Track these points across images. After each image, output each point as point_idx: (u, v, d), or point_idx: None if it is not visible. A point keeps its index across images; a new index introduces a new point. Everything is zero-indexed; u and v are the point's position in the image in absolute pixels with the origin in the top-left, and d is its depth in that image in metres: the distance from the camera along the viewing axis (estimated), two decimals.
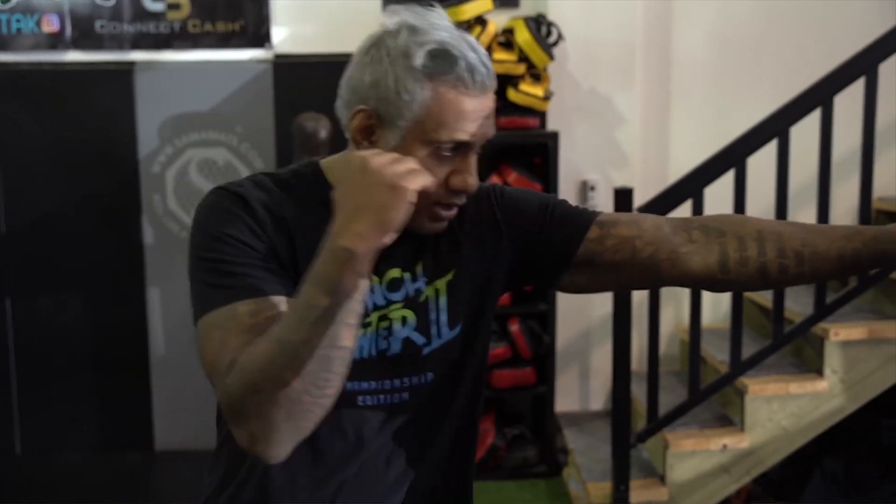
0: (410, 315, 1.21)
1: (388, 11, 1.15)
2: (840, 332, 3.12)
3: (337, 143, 3.58)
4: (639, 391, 3.36)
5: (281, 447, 1.05)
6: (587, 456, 3.53)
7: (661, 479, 3.22)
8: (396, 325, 1.20)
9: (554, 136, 3.66)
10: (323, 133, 3.54)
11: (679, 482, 3.19)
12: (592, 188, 3.85)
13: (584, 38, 3.80)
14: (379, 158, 1.02)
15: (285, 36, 3.91)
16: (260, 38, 3.83)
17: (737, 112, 3.67)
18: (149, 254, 3.94)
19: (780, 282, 1.23)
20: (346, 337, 1.03)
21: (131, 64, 3.81)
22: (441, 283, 1.23)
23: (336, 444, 1.19)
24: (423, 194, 1.03)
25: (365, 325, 1.18)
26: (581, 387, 4.07)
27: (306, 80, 3.76)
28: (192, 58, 3.85)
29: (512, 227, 1.28)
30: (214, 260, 1.11)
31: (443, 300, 1.23)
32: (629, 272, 1.25)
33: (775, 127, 3.03)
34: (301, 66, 3.81)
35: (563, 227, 1.27)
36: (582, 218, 1.28)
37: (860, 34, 3.05)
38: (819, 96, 3.02)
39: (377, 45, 1.12)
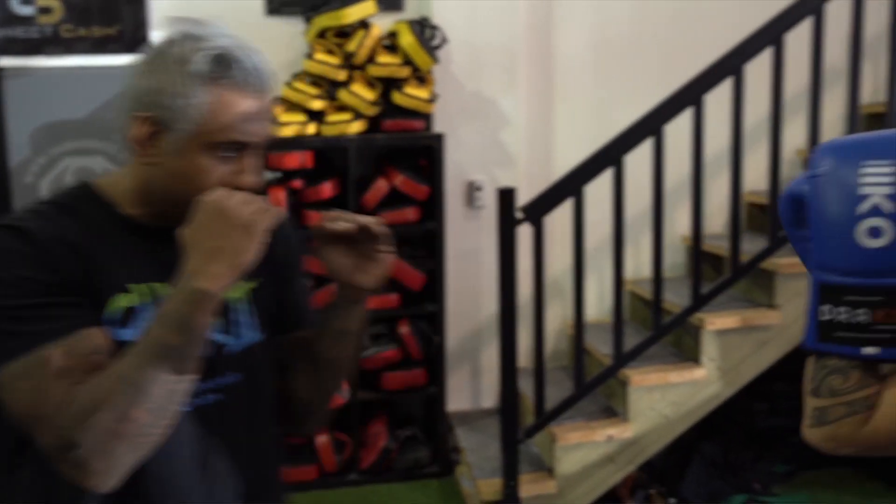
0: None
1: (171, 22, 1.17)
2: (715, 322, 3.24)
3: None
4: (527, 387, 3.40)
5: (118, 476, 1.05)
6: (478, 454, 3.55)
7: (550, 472, 3.28)
8: None
9: (439, 138, 3.67)
10: None
11: (567, 474, 3.26)
12: (479, 188, 3.88)
13: (467, 40, 3.81)
14: (230, 199, 1.08)
15: None
16: (138, 42, 3.68)
17: (617, 111, 3.73)
18: None
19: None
20: (192, 369, 1.07)
21: None
22: (243, 288, 1.26)
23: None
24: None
25: None
26: (472, 385, 4.08)
27: None
28: (66, 63, 3.68)
29: (287, 264, 1.36)
30: (6, 307, 1.07)
31: (244, 305, 1.26)
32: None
33: (650, 126, 3.12)
34: None
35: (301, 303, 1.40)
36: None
37: (729, 35, 3.17)
38: (690, 96, 3.13)
39: (159, 53, 1.14)
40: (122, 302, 1.14)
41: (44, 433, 1.04)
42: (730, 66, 3.12)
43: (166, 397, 1.05)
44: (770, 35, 3.11)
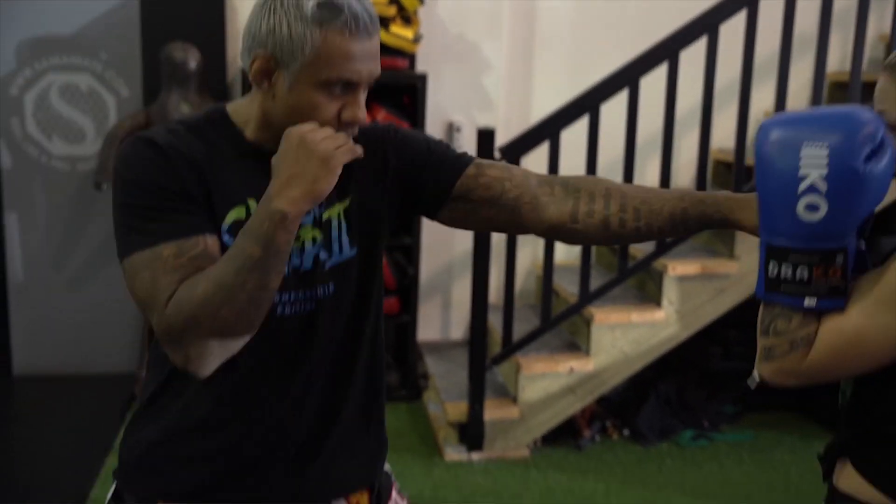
0: (318, 234, 1.32)
1: None
2: (677, 268, 3.36)
3: (206, 74, 3.52)
4: (496, 322, 3.51)
5: (211, 366, 1.21)
6: (446, 380, 3.67)
7: (514, 399, 3.41)
8: (308, 245, 1.31)
9: (423, 78, 3.71)
10: (192, 63, 3.47)
11: (529, 402, 3.38)
12: (458, 129, 3.93)
13: None
14: (314, 133, 1.17)
15: None
16: None
17: (594, 64, 3.79)
18: (6, 178, 3.76)
19: (619, 235, 1.37)
20: (274, 281, 1.18)
21: None
22: (340, 207, 1.34)
23: (259, 348, 1.28)
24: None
25: None
26: (442, 317, 4.18)
27: (173, 10, 3.63)
28: None
29: (400, 161, 1.40)
30: (136, 206, 1.20)
31: (343, 223, 1.35)
32: (496, 210, 1.39)
33: (627, 77, 3.21)
34: None
35: (444, 164, 1.41)
36: (461, 158, 1.42)
37: None
38: (667, 51, 3.21)
39: None
40: (236, 215, 1.25)
41: (153, 319, 1.18)
42: (706, 24, 3.20)
43: (251, 302, 1.16)
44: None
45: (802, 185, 1.13)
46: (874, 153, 1.12)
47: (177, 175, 1.22)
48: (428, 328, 4.14)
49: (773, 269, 1.19)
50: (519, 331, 3.39)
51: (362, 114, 1.25)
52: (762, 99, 3.70)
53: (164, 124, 1.31)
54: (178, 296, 1.16)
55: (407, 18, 3.69)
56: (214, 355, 1.20)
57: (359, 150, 1.22)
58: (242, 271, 1.14)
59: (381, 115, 3.66)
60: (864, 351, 1.17)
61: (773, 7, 3.23)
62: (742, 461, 3.44)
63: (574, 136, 3.27)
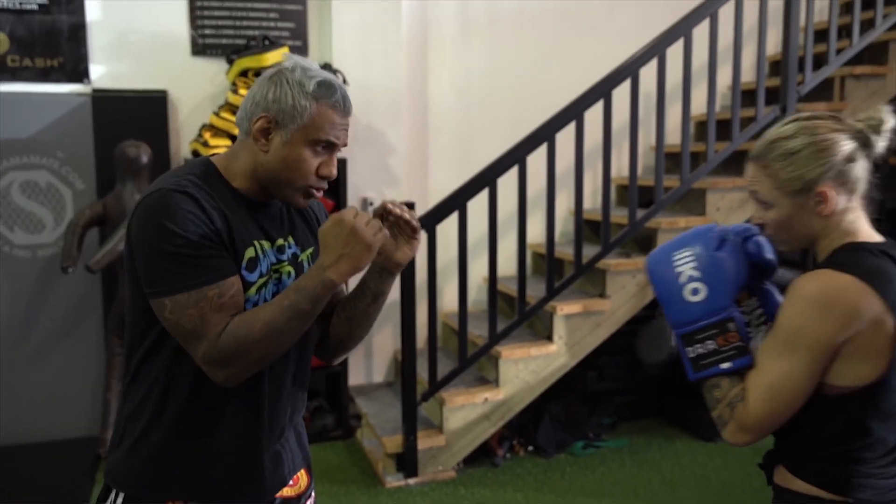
0: (293, 270, 1.55)
1: (286, 57, 1.50)
2: (564, 308, 3.89)
3: (155, 166, 3.80)
4: (418, 364, 3.91)
5: (243, 379, 1.43)
6: (378, 418, 4.01)
7: (440, 429, 3.80)
8: (285, 277, 1.53)
9: (343, 163, 4.12)
10: (144, 158, 3.70)
11: (453, 430, 3.79)
12: (371, 203, 4.36)
13: (362, 82, 4.25)
14: (360, 220, 1.40)
15: (103, 72, 3.97)
16: (79, 73, 3.86)
17: (478, 144, 4.36)
18: None
19: (341, 326, 1.65)
20: (308, 326, 1.44)
21: None
22: (309, 252, 1.60)
23: None
24: (301, 177, 1.43)
25: (266, 277, 1.49)
26: (366, 364, 4.52)
27: (122, 112, 3.86)
28: (12, 89, 3.81)
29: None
30: (180, 254, 1.36)
31: (308, 264, 1.59)
32: None
33: (517, 156, 3.74)
34: (117, 100, 3.89)
35: None
36: None
37: (572, 86, 3.85)
38: (545, 134, 3.76)
39: (278, 75, 1.45)
40: (249, 254, 1.45)
41: (199, 348, 1.37)
42: (574, 112, 3.79)
43: (291, 341, 1.43)
44: (601, 91, 3.80)
45: (682, 279, 1.43)
46: (721, 245, 1.45)
47: (212, 223, 1.39)
48: (355, 374, 4.46)
49: (691, 353, 1.42)
50: (438, 371, 3.81)
51: (335, 171, 1.49)
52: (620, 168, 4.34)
53: (173, 175, 1.45)
54: (234, 331, 1.36)
55: None
56: (252, 372, 1.41)
57: (387, 233, 1.45)
58: (292, 320, 1.38)
59: None
60: (786, 394, 1.34)
61: (622, 93, 3.86)
62: (624, 463, 3.97)
63: (475, 204, 3.75)
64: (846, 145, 1.39)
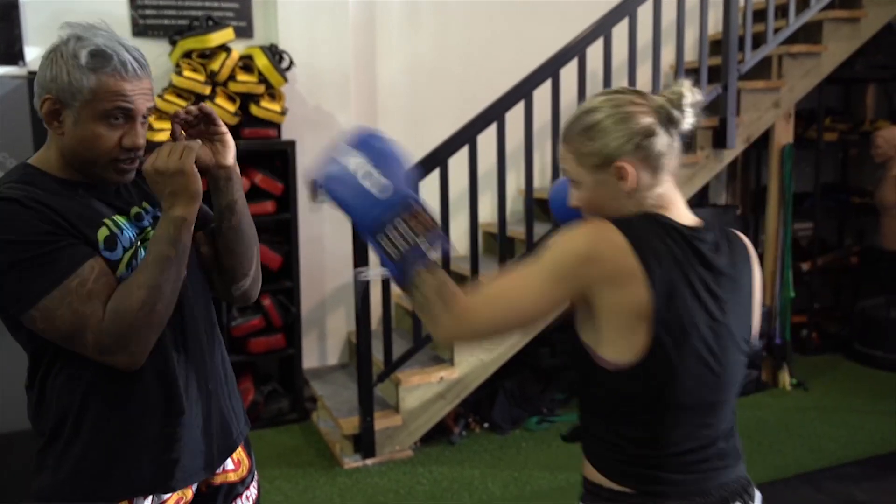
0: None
1: (64, 25, 1.36)
2: None
3: None
4: (373, 345, 3.81)
5: (147, 354, 1.35)
6: (333, 399, 3.90)
7: (396, 409, 3.72)
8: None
9: (292, 144, 3.97)
10: None
11: (409, 409, 3.71)
12: (320, 186, 4.21)
13: (309, 64, 4.12)
14: (158, 159, 1.34)
15: (39, 54, 3.73)
16: (13, 55, 3.64)
17: (426, 126, 4.24)
18: None
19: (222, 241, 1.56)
20: (184, 272, 1.38)
21: None
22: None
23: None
24: (103, 153, 1.34)
25: (133, 249, 1.41)
26: (319, 346, 4.41)
27: None
28: None
29: None
30: (22, 260, 1.27)
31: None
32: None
33: (467, 135, 3.65)
34: None
35: None
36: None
37: (521, 66, 3.77)
38: (495, 113, 3.68)
39: (54, 50, 1.34)
40: (104, 233, 1.37)
41: (87, 342, 1.29)
42: (523, 91, 3.72)
43: (173, 293, 1.35)
44: (549, 70, 3.73)
45: (359, 175, 1.35)
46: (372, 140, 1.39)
47: (44, 218, 1.29)
48: (310, 357, 4.34)
49: (388, 247, 1.32)
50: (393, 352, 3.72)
51: (141, 140, 1.38)
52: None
53: (3, 181, 1.35)
54: (115, 308, 1.29)
55: (273, 94, 3.96)
56: (151, 343, 1.34)
57: (194, 144, 1.38)
58: (164, 270, 1.32)
59: (259, 178, 3.89)
60: (512, 300, 1.31)
61: (570, 72, 3.80)
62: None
63: (427, 184, 3.64)
64: (644, 119, 1.32)
